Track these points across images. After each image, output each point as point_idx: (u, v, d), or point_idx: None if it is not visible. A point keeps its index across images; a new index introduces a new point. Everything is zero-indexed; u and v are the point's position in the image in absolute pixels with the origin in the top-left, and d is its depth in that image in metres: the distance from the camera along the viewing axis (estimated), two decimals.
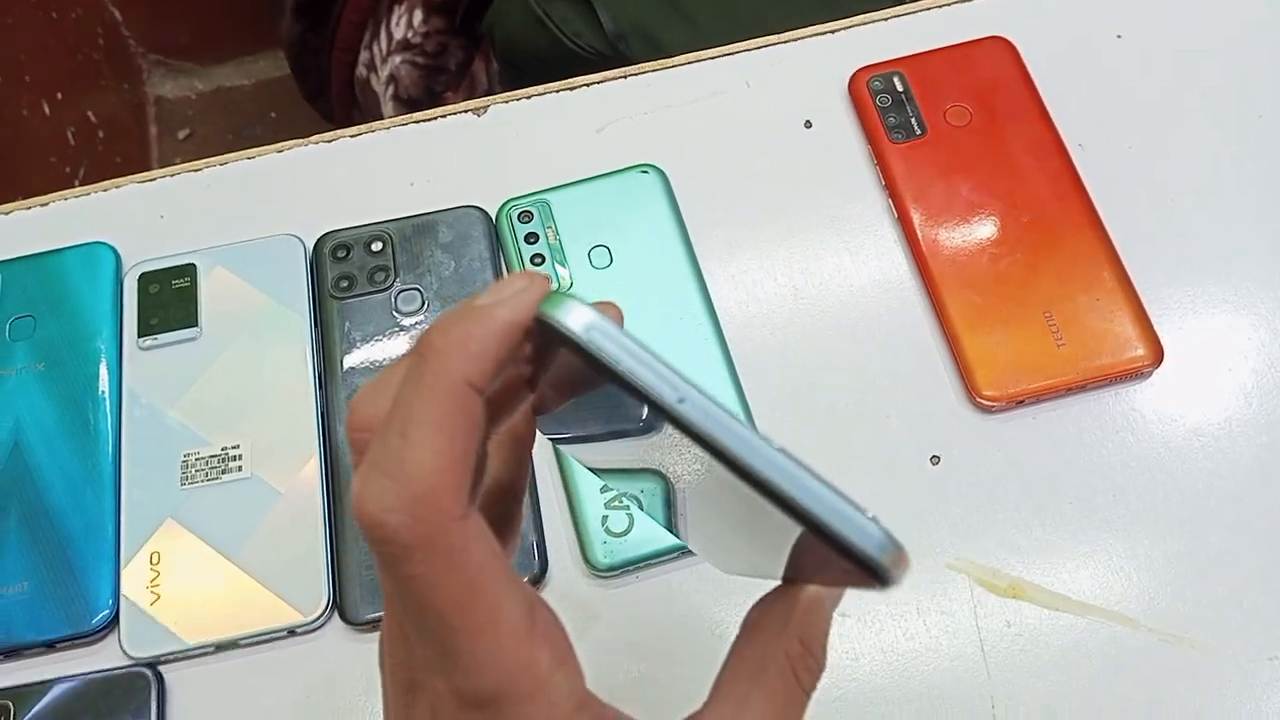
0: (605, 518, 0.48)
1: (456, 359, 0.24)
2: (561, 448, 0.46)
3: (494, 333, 0.24)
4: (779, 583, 0.30)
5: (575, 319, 0.24)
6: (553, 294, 0.24)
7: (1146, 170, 0.56)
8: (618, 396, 0.24)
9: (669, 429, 0.24)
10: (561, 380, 0.27)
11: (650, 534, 0.47)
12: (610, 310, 0.25)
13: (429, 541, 0.23)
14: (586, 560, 0.48)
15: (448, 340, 0.24)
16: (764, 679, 0.28)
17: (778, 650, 0.28)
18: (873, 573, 0.23)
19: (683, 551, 0.48)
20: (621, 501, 0.48)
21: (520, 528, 0.32)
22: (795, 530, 0.23)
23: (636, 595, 0.48)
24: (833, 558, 0.23)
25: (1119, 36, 0.60)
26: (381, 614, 0.46)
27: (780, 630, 0.28)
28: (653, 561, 0.48)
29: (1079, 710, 0.46)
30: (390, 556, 0.23)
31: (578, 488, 0.49)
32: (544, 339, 0.25)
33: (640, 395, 0.23)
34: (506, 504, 0.31)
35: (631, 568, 0.48)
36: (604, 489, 0.48)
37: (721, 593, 0.48)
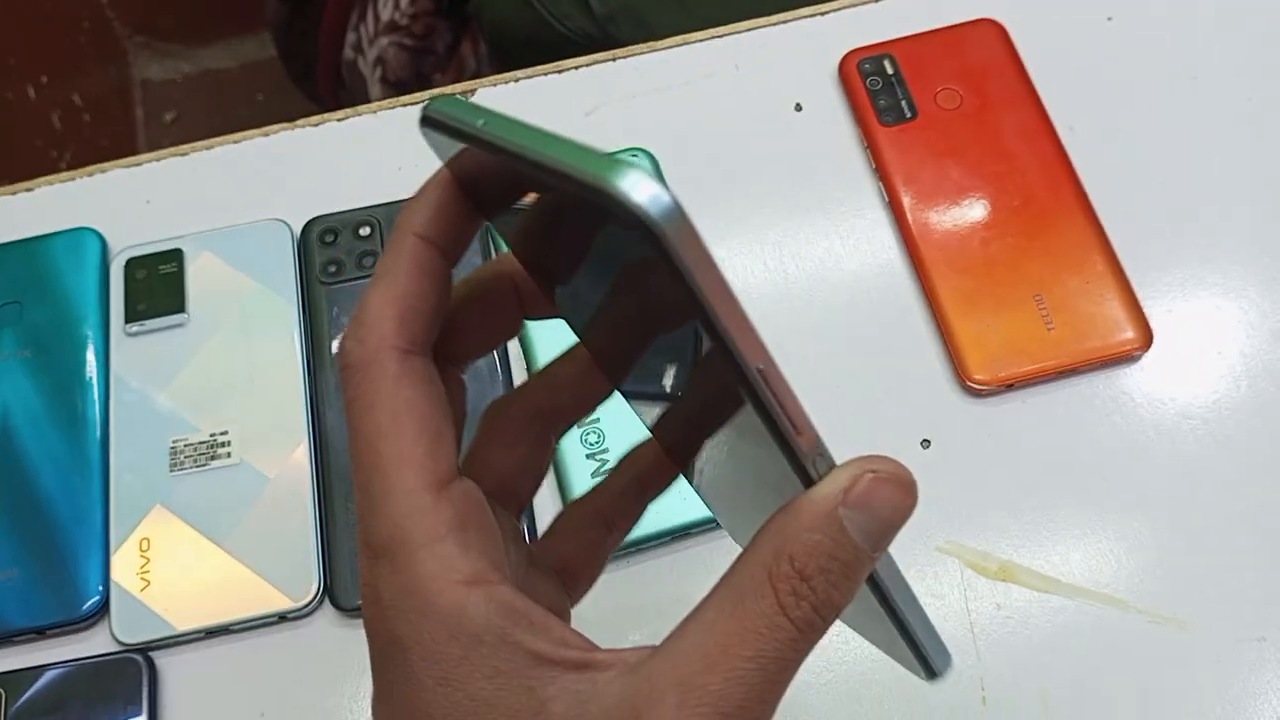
0: None
1: (404, 218, 0.26)
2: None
3: (432, 184, 0.26)
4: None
5: (644, 194, 0.19)
6: (592, 153, 0.21)
7: (1136, 153, 0.56)
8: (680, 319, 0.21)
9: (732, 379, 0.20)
10: (577, 243, 0.24)
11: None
12: None
13: (366, 363, 0.25)
14: None
15: (404, 210, 0.26)
16: (740, 609, 0.23)
17: (759, 569, 0.23)
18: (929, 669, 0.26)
19: (662, 539, 0.48)
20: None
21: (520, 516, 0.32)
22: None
23: (614, 579, 0.48)
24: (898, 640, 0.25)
25: (1109, 19, 0.60)
26: None
27: (768, 545, 0.23)
28: (636, 548, 0.48)
29: (1068, 692, 0.46)
30: (341, 384, 0.25)
31: (570, 481, 0.49)
32: (570, 206, 0.22)
33: (725, 351, 0.20)
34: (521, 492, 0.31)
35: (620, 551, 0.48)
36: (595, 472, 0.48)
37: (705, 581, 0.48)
